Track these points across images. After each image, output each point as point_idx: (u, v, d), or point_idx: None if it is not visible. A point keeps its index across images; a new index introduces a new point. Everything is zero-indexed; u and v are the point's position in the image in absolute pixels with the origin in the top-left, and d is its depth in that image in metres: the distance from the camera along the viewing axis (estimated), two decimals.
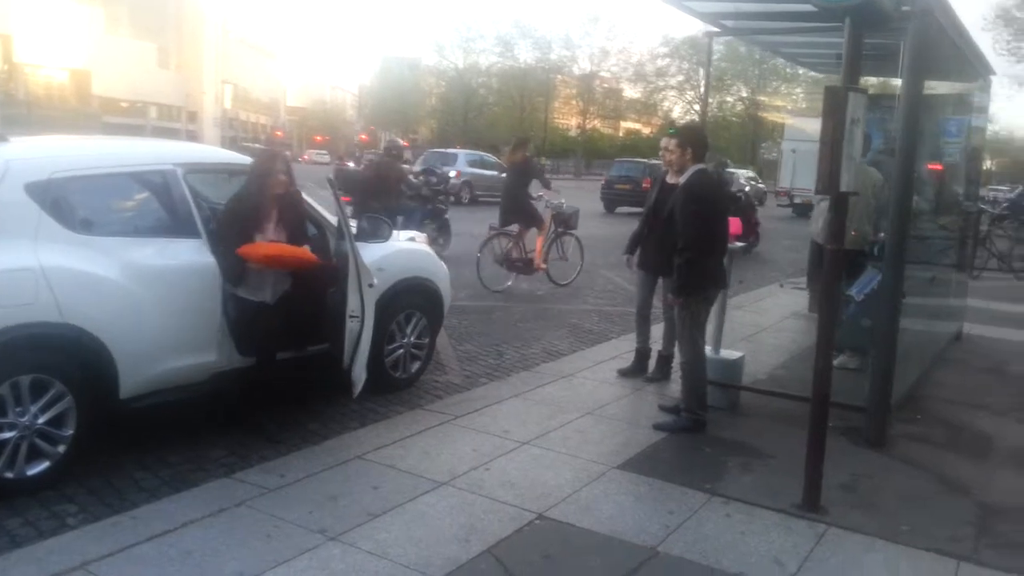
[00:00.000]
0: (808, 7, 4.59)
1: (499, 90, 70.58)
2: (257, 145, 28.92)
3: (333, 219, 5.33)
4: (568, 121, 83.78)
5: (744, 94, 68.29)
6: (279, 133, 74.07)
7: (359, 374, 4.97)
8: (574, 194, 23.60)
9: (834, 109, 3.71)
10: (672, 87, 70.22)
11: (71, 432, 4.14)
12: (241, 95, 75.08)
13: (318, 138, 69.63)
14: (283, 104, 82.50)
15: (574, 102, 73.78)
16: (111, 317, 4.25)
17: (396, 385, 5.96)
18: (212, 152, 5.54)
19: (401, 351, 5.95)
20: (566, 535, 3.71)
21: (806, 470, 4.11)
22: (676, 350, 6.08)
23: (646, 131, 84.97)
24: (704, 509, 4.05)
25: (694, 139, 5.10)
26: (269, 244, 4.81)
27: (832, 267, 3.96)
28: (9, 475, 3.94)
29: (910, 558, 3.67)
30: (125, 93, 61.60)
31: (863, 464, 4.71)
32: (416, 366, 6.14)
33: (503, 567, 3.39)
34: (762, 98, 66.21)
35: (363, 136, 78.37)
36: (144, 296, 4.39)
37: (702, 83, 68.66)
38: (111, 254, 4.31)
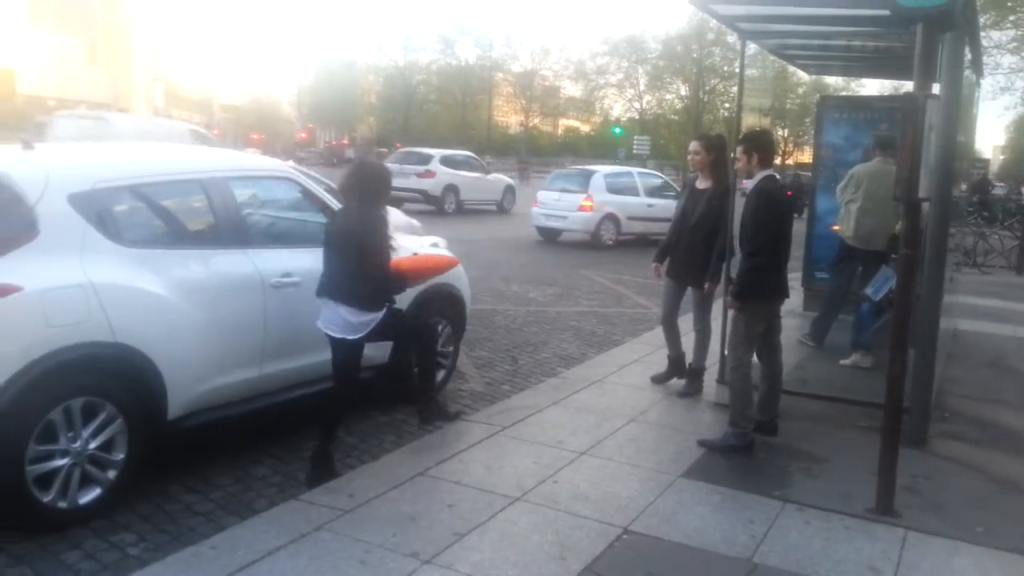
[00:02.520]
0: (852, 11, 4.63)
1: (440, 87, 70.25)
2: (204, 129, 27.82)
3: None
4: (508, 119, 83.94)
5: (684, 92, 69.29)
6: (215, 132, 72.27)
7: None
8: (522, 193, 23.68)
9: (912, 116, 3.72)
10: (612, 85, 70.84)
11: (122, 456, 3.94)
12: (173, 92, 72.90)
13: (255, 136, 67.98)
14: (217, 102, 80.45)
15: (515, 100, 73.82)
16: (161, 335, 4.05)
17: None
18: (256, 160, 5.31)
19: None
20: (660, 550, 3.64)
21: (880, 475, 4.13)
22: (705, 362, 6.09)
23: (585, 128, 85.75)
24: (782, 517, 4.03)
25: (760, 145, 5.02)
26: (413, 258, 4.90)
27: (905, 271, 3.97)
28: (63, 504, 3.73)
29: (996, 560, 3.70)
30: (52, 91, 59.25)
31: (915, 465, 4.75)
32: (442, 375, 6.02)
33: None
34: (702, 96, 67.25)
35: (302, 134, 77.23)
36: (192, 311, 4.19)
37: (641, 81, 69.57)
38: (159, 268, 4.11)
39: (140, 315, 3.96)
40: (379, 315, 4.45)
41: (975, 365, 7.45)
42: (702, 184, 5.89)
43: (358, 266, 4.32)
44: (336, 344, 4.48)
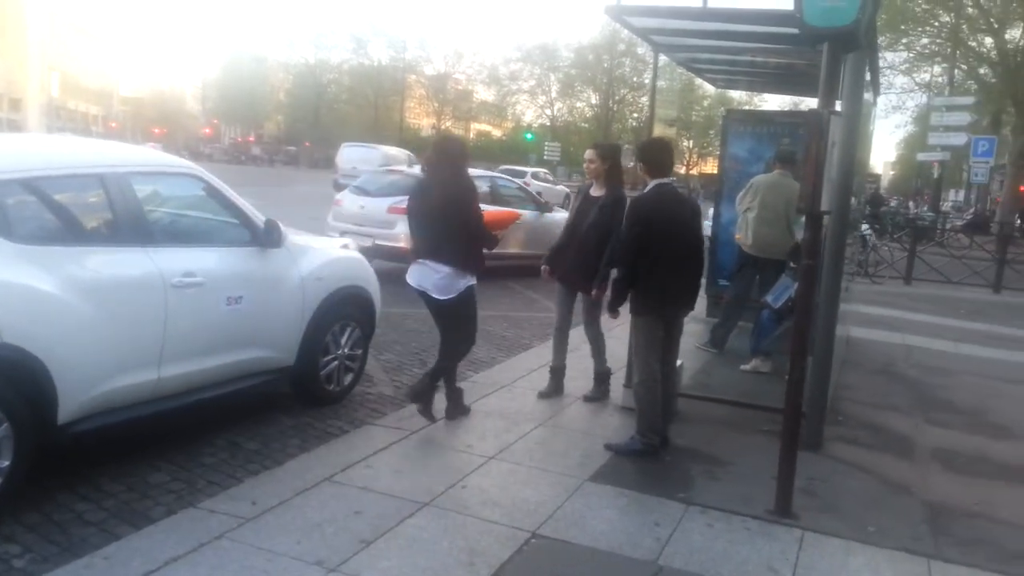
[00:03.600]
0: (762, 29, 4.78)
1: (351, 87, 69.35)
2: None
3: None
4: (420, 121, 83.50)
5: (594, 101, 70.38)
6: (113, 124, 69.53)
7: None
8: None
9: (818, 132, 3.86)
10: (524, 91, 71.44)
11: (7, 464, 3.71)
12: (70, 83, 69.86)
13: (156, 130, 65.73)
14: (116, 94, 77.44)
15: (428, 102, 73.53)
16: (53, 335, 3.84)
17: (330, 399, 5.74)
18: (159, 156, 5.11)
19: (335, 363, 5.72)
20: (568, 554, 3.67)
21: (779, 478, 4.26)
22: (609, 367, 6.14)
23: (497, 133, 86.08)
24: (686, 519, 4.11)
25: (646, 155, 5.04)
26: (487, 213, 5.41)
27: (807, 281, 4.12)
28: None
29: (887, 559, 3.86)
30: None
31: (811, 468, 4.92)
32: (349, 378, 5.92)
33: None
34: (611, 105, 68.43)
35: (207, 130, 75.02)
36: (87, 311, 3.98)
37: (553, 88, 70.34)
38: (53, 265, 3.89)
39: (31, 315, 3.75)
40: (472, 282, 5.10)
41: (867, 372, 7.78)
42: (596, 192, 5.95)
43: (462, 228, 4.93)
44: (428, 300, 5.20)
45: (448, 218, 4.93)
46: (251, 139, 75.74)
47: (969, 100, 26.76)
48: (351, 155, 30.79)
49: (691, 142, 70.80)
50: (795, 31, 3.94)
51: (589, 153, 5.99)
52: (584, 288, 5.93)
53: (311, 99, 68.19)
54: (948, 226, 26.45)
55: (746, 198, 7.32)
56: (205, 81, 75.71)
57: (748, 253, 7.32)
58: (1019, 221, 31.33)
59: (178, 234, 4.86)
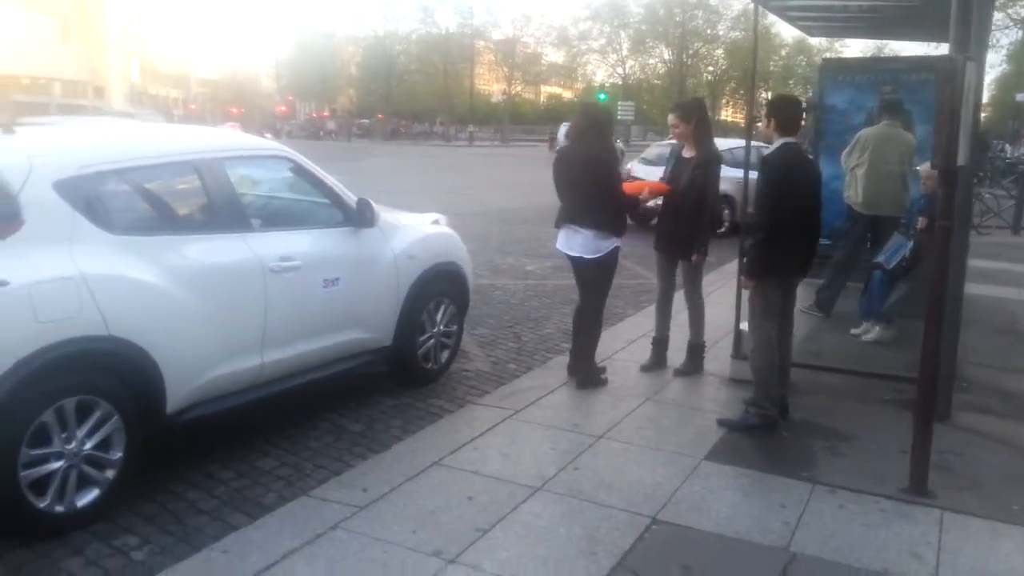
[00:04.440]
0: None
1: (420, 57, 69.29)
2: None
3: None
4: (491, 87, 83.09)
5: (666, 56, 68.78)
6: (193, 107, 71.18)
7: None
8: (514, 163, 23.06)
9: (951, 78, 3.51)
10: (595, 51, 70.21)
11: (120, 455, 3.72)
12: (149, 68, 71.65)
13: (234, 110, 67.00)
14: (194, 76, 79.17)
15: (497, 68, 72.97)
16: (157, 326, 3.82)
17: (428, 377, 5.66)
18: (248, 140, 5.04)
19: (432, 341, 5.63)
20: (693, 541, 3.48)
21: (912, 454, 3.98)
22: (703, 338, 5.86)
23: (568, 95, 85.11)
24: (814, 500, 3.87)
25: (778, 110, 4.75)
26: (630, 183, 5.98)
27: (943, 244, 3.78)
28: (60, 509, 3.52)
29: None
30: (26, 69, 58.14)
31: (942, 440, 4.56)
32: (446, 355, 5.84)
33: None
34: (685, 59, 66.78)
35: (282, 108, 76.21)
36: (189, 300, 3.95)
37: (624, 46, 68.98)
38: (152, 255, 3.86)
39: (134, 306, 3.73)
40: (618, 242, 5.32)
41: (988, 331, 7.30)
42: (688, 152, 5.66)
43: (606, 191, 5.20)
44: (575, 263, 5.45)
45: (590, 184, 5.21)
46: (326, 115, 76.63)
47: None
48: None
49: (770, 93, 68.60)
50: None
51: (671, 117, 5.69)
52: (685, 254, 5.67)
53: (382, 71, 68.34)
54: None
55: (854, 153, 6.91)
56: (278, 60, 76.63)
57: (859, 212, 6.92)
58: None
59: (273, 218, 4.81)
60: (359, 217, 4.98)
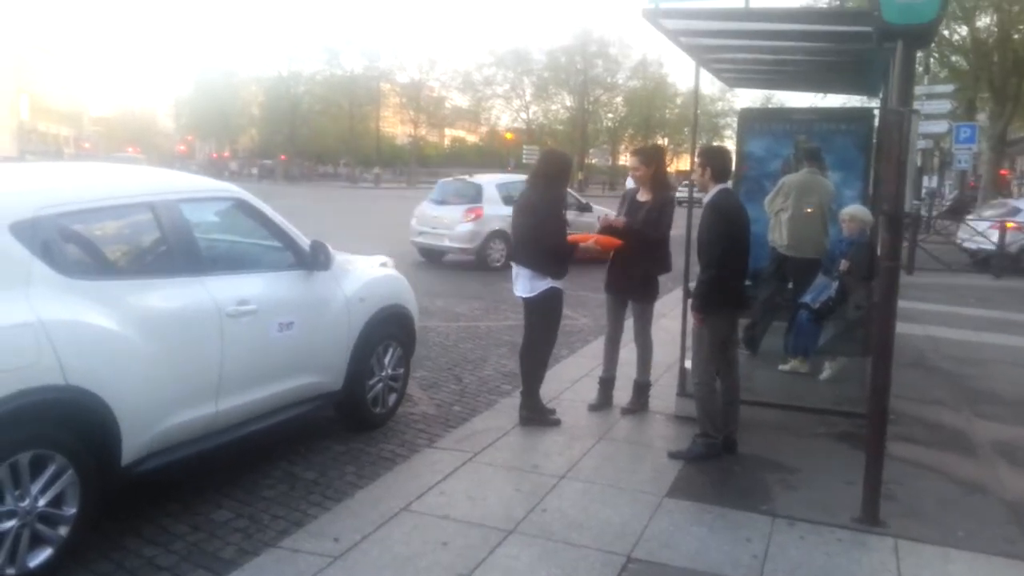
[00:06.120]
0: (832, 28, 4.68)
1: (325, 98, 68.77)
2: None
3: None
4: (395, 129, 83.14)
5: (568, 103, 70.41)
6: (86, 145, 68.63)
7: None
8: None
9: (897, 129, 3.76)
10: (499, 95, 71.27)
11: (74, 511, 3.54)
12: (40, 105, 68.94)
13: (130, 150, 64.87)
14: (87, 114, 76.52)
15: (403, 110, 73.15)
16: (116, 374, 3.68)
17: (376, 421, 5.59)
18: (203, 181, 4.93)
19: (380, 384, 5.58)
20: None
21: (865, 485, 4.16)
22: (650, 377, 6.02)
23: (472, 139, 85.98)
24: (776, 533, 4.00)
25: (713, 159, 5.05)
26: (586, 235, 5.89)
27: (889, 284, 4.02)
28: (11, 571, 3.30)
29: (988, 565, 3.78)
30: None
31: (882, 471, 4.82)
32: (393, 399, 5.78)
33: None
34: (587, 106, 68.53)
35: (181, 147, 74.27)
36: (147, 346, 3.81)
37: (527, 92, 70.30)
38: (112, 300, 3.73)
39: (93, 354, 3.58)
40: (552, 284, 5.47)
41: (901, 366, 7.65)
42: (643, 196, 5.86)
43: (542, 235, 5.40)
44: (523, 301, 5.63)
45: (529, 226, 5.50)
46: (226, 155, 75.09)
47: (949, 88, 26.92)
48: None
49: (666, 139, 71.01)
50: (867, 29, 3.84)
51: (633, 160, 5.93)
52: (636, 296, 5.83)
53: (285, 111, 67.45)
54: (934, 213, 26.64)
55: (777, 199, 7.24)
56: (177, 98, 74.75)
57: (783, 254, 7.24)
58: None
59: (229, 261, 4.70)
60: (313, 260, 4.93)
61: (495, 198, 14.87)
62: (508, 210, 14.45)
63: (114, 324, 3.69)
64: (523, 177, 18.59)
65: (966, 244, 17.18)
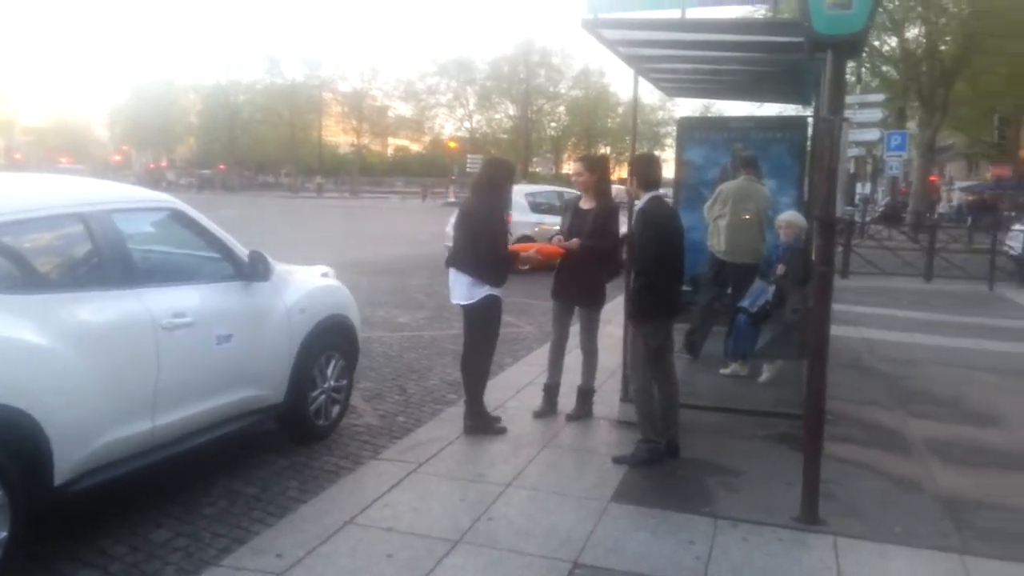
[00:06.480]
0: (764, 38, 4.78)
1: (265, 107, 67.87)
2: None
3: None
4: (338, 139, 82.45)
5: (512, 112, 70.65)
6: (18, 156, 66.54)
7: None
8: (372, 215, 22.87)
9: (829, 138, 3.86)
10: (442, 105, 71.16)
11: (4, 534, 3.41)
12: None
13: (63, 160, 63.11)
14: (17, 124, 74.18)
15: (345, 120, 72.50)
16: (46, 391, 3.56)
17: (319, 434, 5.52)
18: (137, 191, 4.82)
19: (323, 396, 5.51)
20: None
21: (804, 485, 4.24)
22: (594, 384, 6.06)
23: (416, 147, 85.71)
24: (719, 535, 4.05)
25: (639, 167, 5.11)
26: (528, 245, 6.39)
27: (823, 286, 4.12)
28: None
29: (923, 560, 3.88)
30: None
31: (821, 470, 4.92)
32: (336, 411, 5.72)
33: None
34: (530, 115, 68.84)
35: (116, 157, 72.54)
36: (79, 360, 3.71)
37: (471, 101, 70.37)
38: (41, 314, 3.61)
39: (22, 370, 3.47)
40: (490, 291, 5.46)
41: (838, 368, 7.84)
42: (586, 204, 5.91)
43: (481, 242, 5.41)
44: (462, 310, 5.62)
45: (469, 232, 5.50)
46: (164, 164, 73.60)
47: (880, 97, 27.73)
48: None
49: (608, 148, 71.73)
50: (798, 39, 3.94)
51: (577, 167, 5.99)
52: (583, 303, 5.88)
53: (224, 120, 66.40)
54: (868, 219, 27.40)
55: (715, 206, 7.37)
56: (112, 107, 72.90)
57: (721, 259, 7.37)
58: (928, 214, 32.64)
59: (164, 272, 4.59)
60: (251, 270, 4.85)
61: (523, 206, 16.17)
62: (536, 217, 15.96)
63: (44, 339, 3.57)
64: (552, 188, 19.03)
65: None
